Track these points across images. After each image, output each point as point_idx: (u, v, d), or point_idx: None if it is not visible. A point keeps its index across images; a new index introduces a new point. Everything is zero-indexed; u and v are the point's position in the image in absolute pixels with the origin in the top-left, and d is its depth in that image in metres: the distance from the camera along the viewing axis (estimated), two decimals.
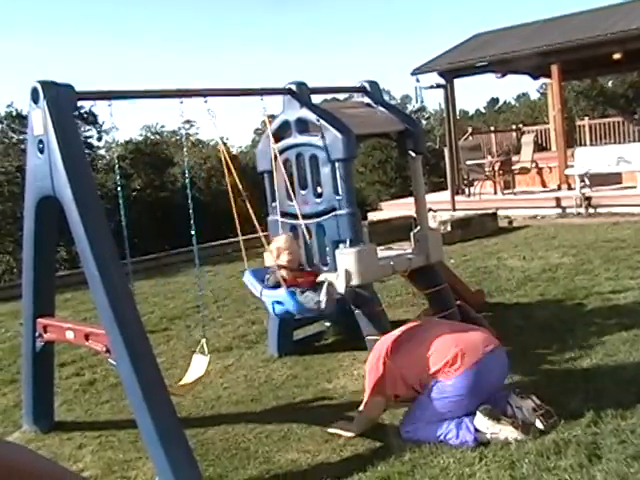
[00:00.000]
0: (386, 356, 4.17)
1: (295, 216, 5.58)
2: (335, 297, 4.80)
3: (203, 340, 4.77)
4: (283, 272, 4.90)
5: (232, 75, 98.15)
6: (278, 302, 4.80)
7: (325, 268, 5.44)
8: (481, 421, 3.85)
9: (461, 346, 4.02)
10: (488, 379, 4.02)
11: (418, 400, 4.16)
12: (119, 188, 4.68)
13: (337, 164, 5.25)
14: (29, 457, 1.68)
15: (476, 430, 3.84)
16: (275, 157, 5.41)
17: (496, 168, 15.29)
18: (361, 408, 4.24)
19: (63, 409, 5.29)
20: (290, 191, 5.38)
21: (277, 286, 4.82)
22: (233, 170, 4.74)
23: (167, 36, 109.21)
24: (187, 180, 5.49)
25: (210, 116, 4.66)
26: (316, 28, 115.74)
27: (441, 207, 13.77)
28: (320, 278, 4.99)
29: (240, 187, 4.72)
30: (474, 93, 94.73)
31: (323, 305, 4.62)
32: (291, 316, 5.17)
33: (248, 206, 4.68)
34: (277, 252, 5.07)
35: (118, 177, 5.11)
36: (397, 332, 4.37)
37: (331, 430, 4.28)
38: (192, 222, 4.60)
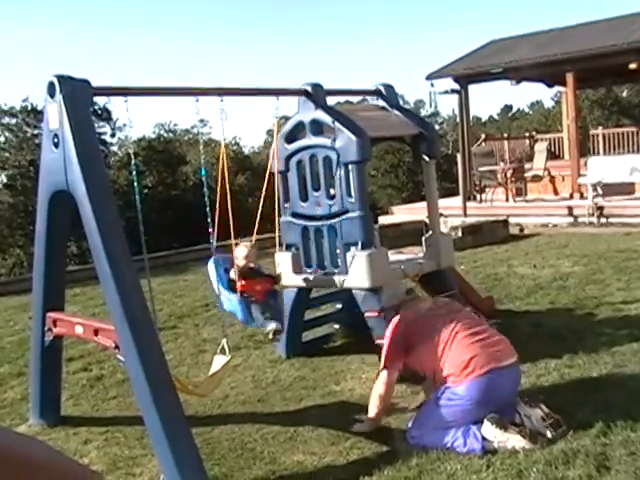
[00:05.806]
0: (405, 329, 4.21)
1: (307, 217, 5.58)
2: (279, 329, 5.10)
3: (224, 340, 4.73)
4: (233, 274, 5.12)
5: (234, 70, 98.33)
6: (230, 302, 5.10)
7: (336, 270, 5.43)
8: (489, 430, 3.82)
9: (478, 352, 3.95)
10: (498, 392, 3.95)
11: (425, 405, 4.15)
12: (135, 184, 4.65)
13: (351, 166, 5.24)
14: (37, 448, 1.67)
15: (483, 439, 3.82)
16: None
17: (508, 175, 15.23)
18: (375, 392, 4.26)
19: (70, 404, 5.30)
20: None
21: (234, 285, 5.05)
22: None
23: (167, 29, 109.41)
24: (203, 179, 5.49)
25: (223, 116, 4.70)
26: (329, 29, 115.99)
27: (452, 213, 13.71)
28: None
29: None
30: (488, 99, 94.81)
31: (270, 336, 5.11)
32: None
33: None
34: (238, 256, 5.23)
35: (135, 173, 5.05)
36: (422, 311, 4.35)
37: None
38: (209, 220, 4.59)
